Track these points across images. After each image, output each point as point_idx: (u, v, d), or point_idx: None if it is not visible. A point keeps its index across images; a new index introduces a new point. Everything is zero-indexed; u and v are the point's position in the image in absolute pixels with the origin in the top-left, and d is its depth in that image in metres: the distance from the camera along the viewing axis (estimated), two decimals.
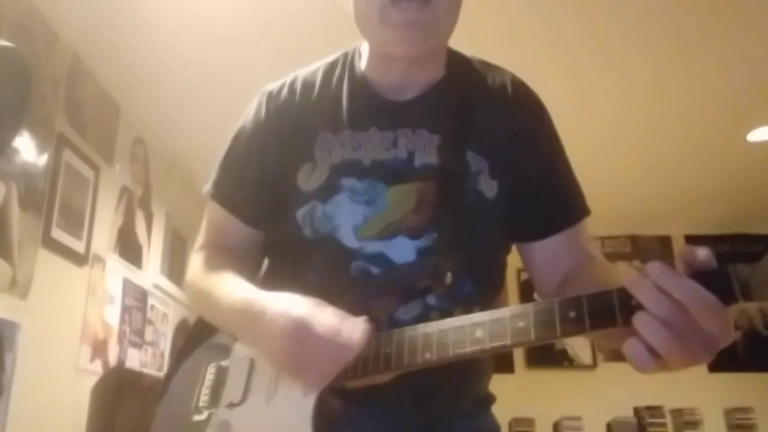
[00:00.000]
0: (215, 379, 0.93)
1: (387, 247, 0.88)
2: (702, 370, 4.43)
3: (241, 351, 0.93)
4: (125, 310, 2.93)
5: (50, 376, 2.30)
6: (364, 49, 1.00)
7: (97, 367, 2.63)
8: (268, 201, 0.97)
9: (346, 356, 0.76)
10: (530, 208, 0.94)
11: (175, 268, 3.65)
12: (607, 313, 0.63)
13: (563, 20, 2.47)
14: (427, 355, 0.74)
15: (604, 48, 2.64)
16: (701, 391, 4.29)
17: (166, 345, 3.47)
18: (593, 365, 4.50)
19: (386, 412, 0.85)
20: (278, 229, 0.97)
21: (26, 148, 2.18)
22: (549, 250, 0.95)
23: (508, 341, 0.68)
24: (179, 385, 0.99)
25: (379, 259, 0.88)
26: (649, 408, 4.23)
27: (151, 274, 3.30)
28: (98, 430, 2.45)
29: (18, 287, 2.10)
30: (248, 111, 1.04)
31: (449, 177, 0.90)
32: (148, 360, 3.18)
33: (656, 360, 0.60)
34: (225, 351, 0.95)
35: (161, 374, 3.34)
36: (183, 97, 2.94)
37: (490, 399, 1.00)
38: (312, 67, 1.04)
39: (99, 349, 2.65)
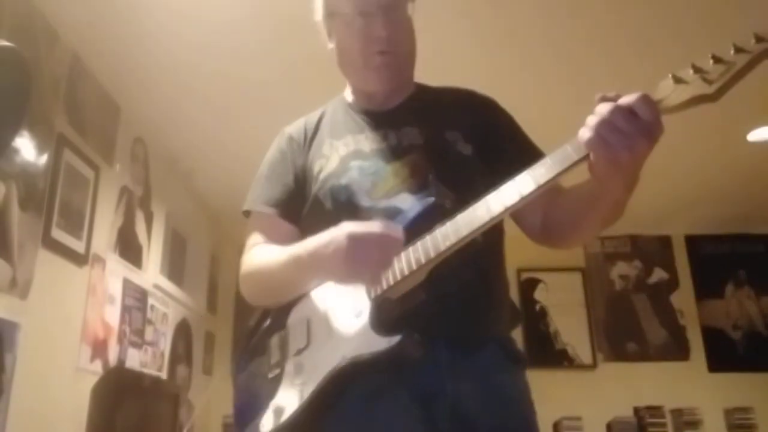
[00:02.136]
0: (279, 343, 1.13)
1: (395, 201, 1.11)
2: (702, 370, 4.44)
3: (296, 318, 1.12)
4: (125, 310, 2.93)
5: (50, 376, 2.30)
6: (347, 91, 1.34)
7: (97, 367, 2.63)
8: (299, 195, 1.22)
9: (395, 245, 0.98)
10: (501, 167, 1.11)
11: (175, 268, 3.65)
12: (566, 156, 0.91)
13: (561, 22, 2.47)
14: (448, 242, 0.95)
15: (604, 47, 2.65)
16: (701, 391, 4.29)
17: (166, 345, 3.47)
18: (593, 365, 4.49)
19: (420, 333, 0.99)
20: (308, 215, 1.20)
21: (26, 148, 2.18)
22: None
23: (511, 203, 0.92)
24: (252, 364, 1.18)
25: (391, 210, 1.09)
26: (649, 408, 4.22)
27: (151, 274, 3.30)
28: (98, 430, 2.45)
29: (18, 287, 2.10)
30: (271, 146, 1.33)
31: (433, 149, 1.17)
32: (148, 360, 3.18)
33: (609, 149, 0.87)
34: (281, 326, 1.15)
35: (161, 374, 3.34)
36: (183, 97, 2.94)
37: (521, 358, 1.15)
38: (313, 112, 1.34)
39: (99, 349, 2.65)
